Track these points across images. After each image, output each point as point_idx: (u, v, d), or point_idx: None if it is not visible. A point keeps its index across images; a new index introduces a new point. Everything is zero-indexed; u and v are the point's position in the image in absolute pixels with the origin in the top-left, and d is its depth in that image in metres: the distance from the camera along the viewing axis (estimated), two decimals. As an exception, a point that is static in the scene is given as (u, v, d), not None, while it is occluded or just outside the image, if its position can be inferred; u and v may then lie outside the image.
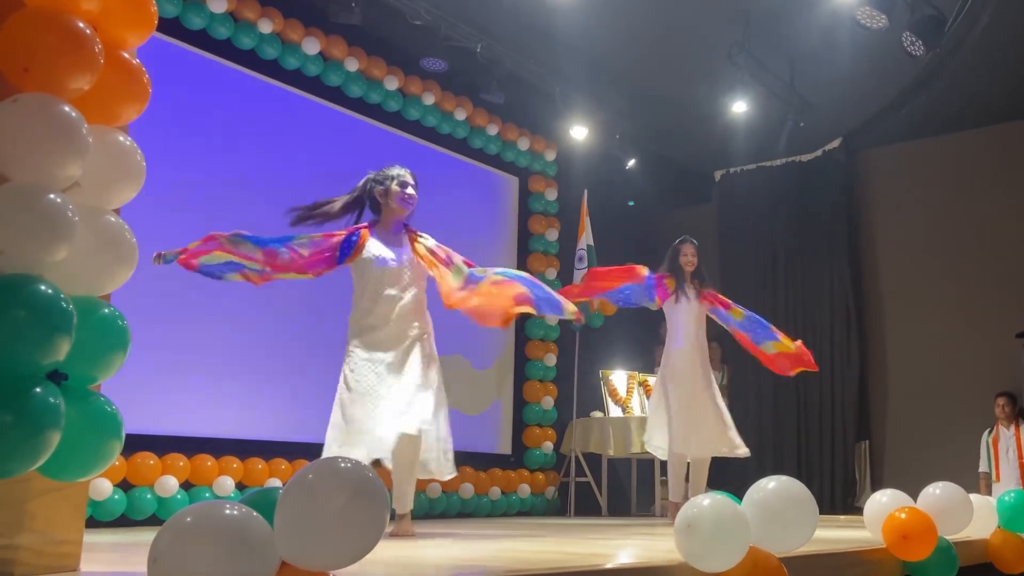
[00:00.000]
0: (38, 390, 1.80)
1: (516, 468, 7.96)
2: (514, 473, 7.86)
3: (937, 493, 3.17)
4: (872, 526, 3.08)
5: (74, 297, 1.92)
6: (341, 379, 4.05)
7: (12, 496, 1.97)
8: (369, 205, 4.29)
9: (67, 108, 1.95)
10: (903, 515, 2.98)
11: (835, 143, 8.96)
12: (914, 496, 3.13)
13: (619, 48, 7.36)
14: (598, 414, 8.03)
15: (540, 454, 8.16)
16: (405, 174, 4.27)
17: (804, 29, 6.88)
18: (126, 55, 2.23)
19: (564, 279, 8.43)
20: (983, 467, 7.59)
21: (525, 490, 7.87)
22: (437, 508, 7.01)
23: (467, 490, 7.26)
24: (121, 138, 2.18)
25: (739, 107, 7.91)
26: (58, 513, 2.08)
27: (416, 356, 4.07)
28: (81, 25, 2.01)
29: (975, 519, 3.30)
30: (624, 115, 8.47)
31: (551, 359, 8.35)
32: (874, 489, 7.51)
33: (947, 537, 3.09)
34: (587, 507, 7.98)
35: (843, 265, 8.83)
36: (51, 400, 1.81)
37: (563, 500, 8.09)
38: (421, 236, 4.27)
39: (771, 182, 9.38)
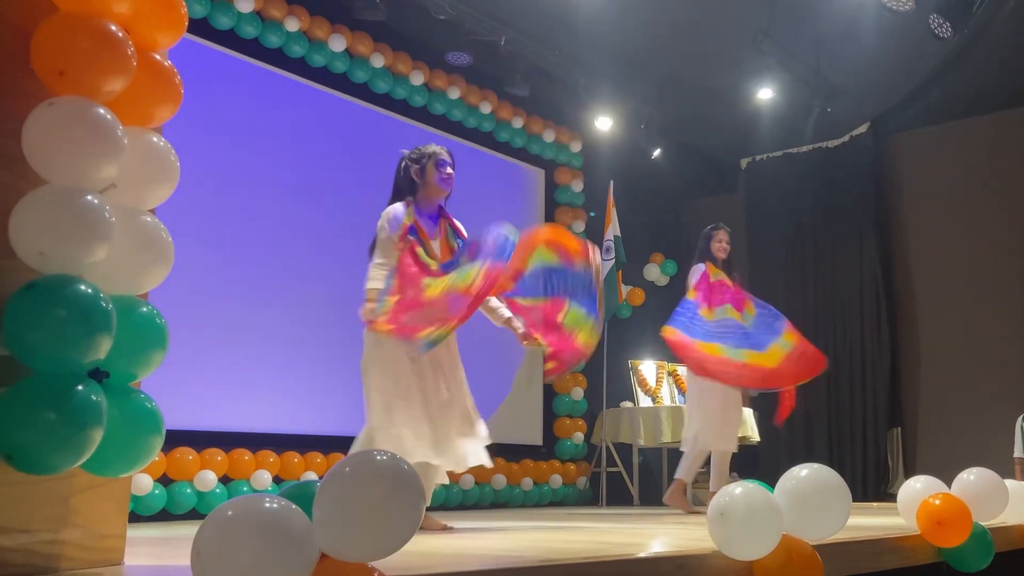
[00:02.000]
0: (80, 388, 1.83)
1: (547, 459, 7.99)
2: (546, 464, 7.89)
3: (971, 479, 3.15)
4: (906, 513, 3.07)
5: (113, 296, 1.96)
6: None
7: (57, 492, 2.01)
8: (405, 186, 4.10)
9: (102, 111, 1.98)
10: (937, 501, 2.97)
11: (863, 128, 8.88)
12: (948, 482, 3.12)
13: (643, 37, 7.34)
14: (628, 404, 8.03)
15: (571, 445, 8.18)
16: (442, 152, 4.12)
17: (830, 13, 6.83)
18: (158, 57, 2.25)
19: (592, 270, 8.43)
20: (1018, 452, 7.51)
21: (557, 481, 7.89)
22: (470, 499, 7.05)
23: (499, 481, 7.30)
24: (155, 139, 2.21)
25: (765, 94, 7.86)
26: (102, 508, 2.12)
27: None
28: (114, 28, 2.03)
29: (1010, 505, 3.28)
30: (649, 105, 8.44)
31: (580, 350, 8.35)
32: (907, 476, 7.46)
33: (982, 523, 3.08)
34: (619, 497, 7.99)
35: (873, 250, 8.76)
36: (93, 398, 1.85)
37: (595, 490, 8.11)
38: (457, 223, 4.16)
39: (798, 169, 9.32)
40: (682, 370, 8.30)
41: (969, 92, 7.97)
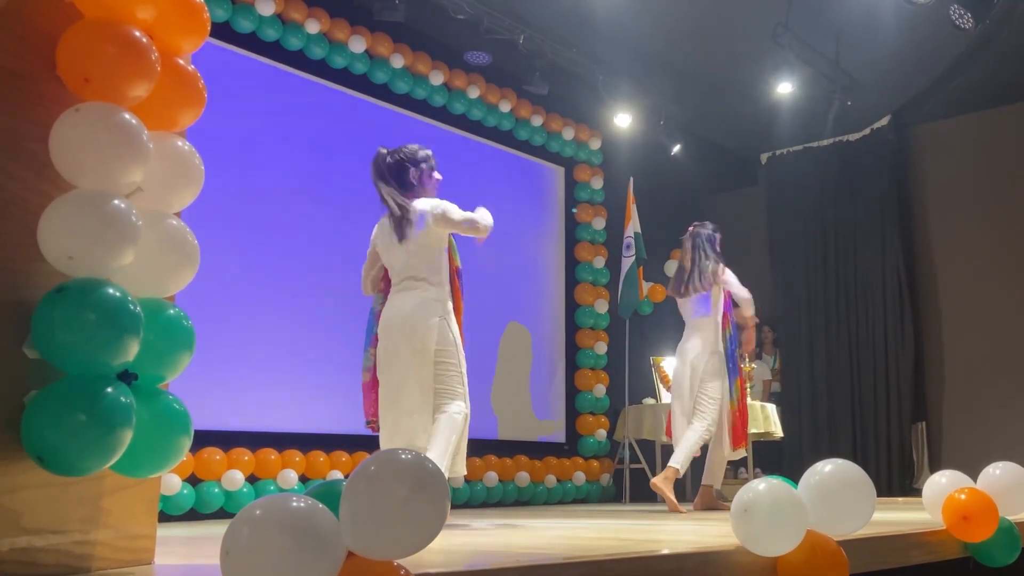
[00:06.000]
0: (110, 390, 1.85)
1: (571, 456, 8.00)
2: (569, 461, 7.90)
3: (997, 473, 3.13)
4: (931, 508, 3.06)
5: (141, 299, 1.97)
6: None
7: (88, 493, 2.04)
8: (396, 180, 4.09)
9: (127, 116, 2.00)
10: (963, 496, 2.95)
11: (884, 121, 8.83)
12: (973, 477, 3.10)
13: (661, 33, 7.32)
14: (650, 401, 8.02)
15: (594, 442, 8.18)
16: (432, 156, 4.18)
17: (849, 5, 6.79)
18: (181, 62, 2.27)
19: (612, 267, 8.44)
20: (1045, 446, 7.46)
21: (580, 477, 7.90)
22: (493, 497, 7.07)
23: (523, 479, 7.32)
24: (180, 143, 2.22)
25: (784, 88, 7.83)
26: (132, 509, 2.15)
27: None
28: (138, 34, 2.05)
29: (1037, 498, 3.25)
30: (668, 100, 8.43)
31: (601, 347, 8.36)
32: (932, 471, 7.41)
33: (1009, 517, 3.06)
34: (642, 493, 7.98)
35: (895, 243, 8.72)
36: (123, 400, 1.86)
37: (618, 487, 8.11)
38: None
39: (819, 163, 9.28)
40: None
41: (991, 83, 7.91)
